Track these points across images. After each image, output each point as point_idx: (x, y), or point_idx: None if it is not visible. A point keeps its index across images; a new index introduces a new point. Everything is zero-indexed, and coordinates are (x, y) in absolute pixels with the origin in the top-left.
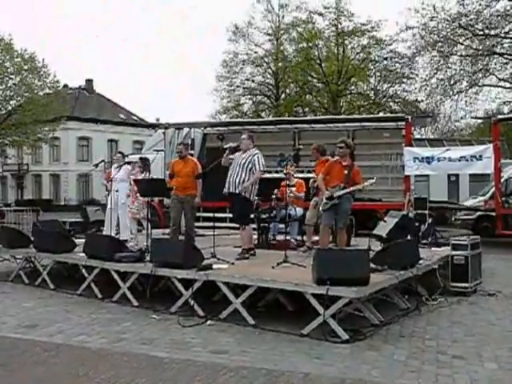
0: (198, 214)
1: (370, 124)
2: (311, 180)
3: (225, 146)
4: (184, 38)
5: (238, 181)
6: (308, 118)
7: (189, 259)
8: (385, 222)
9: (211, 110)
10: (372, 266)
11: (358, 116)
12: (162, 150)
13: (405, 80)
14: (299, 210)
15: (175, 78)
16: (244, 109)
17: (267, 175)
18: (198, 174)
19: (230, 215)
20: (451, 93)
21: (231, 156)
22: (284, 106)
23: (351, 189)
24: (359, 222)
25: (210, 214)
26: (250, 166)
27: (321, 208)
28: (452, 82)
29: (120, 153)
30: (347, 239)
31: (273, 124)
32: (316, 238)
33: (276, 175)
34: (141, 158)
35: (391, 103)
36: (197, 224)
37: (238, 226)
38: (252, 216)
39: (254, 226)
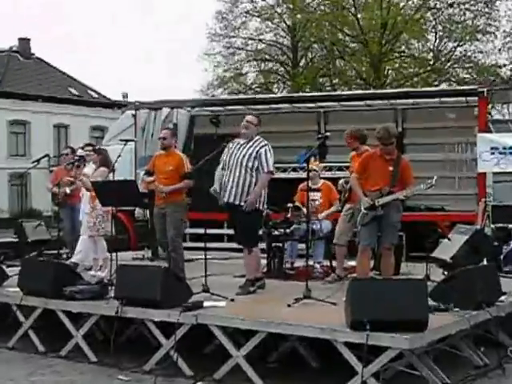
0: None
1: (427, 100)
2: (341, 180)
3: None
4: None
5: (240, 185)
6: (338, 92)
7: (170, 295)
8: (449, 240)
9: (202, 82)
10: (431, 303)
11: (409, 89)
12: (131, 140)
13: (479, 36)
14: (326, 224)
15: (150, 38)
16: (248, 80)
17: (281, 175)
18: (186, 172)
19: (229, 232)
20: None
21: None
22: (304, 76)
23: (401, 194)
24: (412, 241)
25: (200, 230)
26: (255, 163)
27: (358, 221)
28: None
29: (90, 145)
30: (395, 265)
31: (288, 102)
32: (351, 263)
33: (294, 175)
34: (95, 150)
35: (458, 70)
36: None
37: (240, 247)
38: (260, 233)
39: (263, 246)
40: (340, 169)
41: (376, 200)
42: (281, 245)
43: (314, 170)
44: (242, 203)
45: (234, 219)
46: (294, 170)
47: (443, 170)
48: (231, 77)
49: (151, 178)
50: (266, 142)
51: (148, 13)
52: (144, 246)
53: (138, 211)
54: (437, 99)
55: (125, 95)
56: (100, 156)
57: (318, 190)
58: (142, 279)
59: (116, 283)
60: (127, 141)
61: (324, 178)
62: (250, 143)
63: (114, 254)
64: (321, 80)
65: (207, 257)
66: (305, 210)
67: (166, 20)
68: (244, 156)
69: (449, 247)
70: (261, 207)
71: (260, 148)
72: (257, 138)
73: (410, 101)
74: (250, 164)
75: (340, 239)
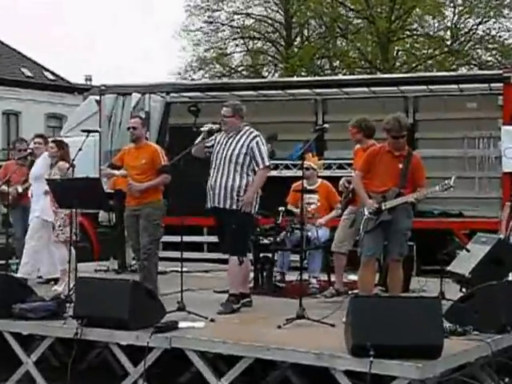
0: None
1: (443, 87)
2: (342, 180)
3: (203, 129)
4: None
5: (230, 186)
6: (340, 77)
7: (140, 313)
8: (468, 251)
9: (178, 63)
10: (447, 324)
11: (422, 74)
12: (95, 131)
13: (506, 12)
14: (324, 232)
15: (119, 9)
16: (233, 62)
17: (271, 173)
18: (163, 165)
19: (209, 240)
20: None
21: (208, 142)
22: (299, 57)
23: (412, 196)
24: (424, 252)
25: (176, 238)
26: (246, 159)
27: (361, 228)
28: None
29: (40, 136)
30: (404, 280)
31: (281, 87)
32: (352, 277)
33: (286, 173)
34: (57, 143)
35: (480, 51)
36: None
37: (223, 257)
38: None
39: (249, 256)
40: (341, 167)
41: (382, 203)
42: (270, 255)
43: (311, 168)
44: (234, 206)
45: (223, 226)
46: (287, 167)
47: (461, 169)
48: (213, 57)
49: (124, 172)
50: (256, 131)
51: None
52: (109, 255)
53: (102, 214)
54: (455, 86)
55: (88, 78)
56: (61, 151)
57: (314, 192)
58: (107, 295)
59: (75, 300)
60: (90, 132)
61: (322, 177)
62: (239, 136)
63: (72, 265)
64: (319, 62)
65: (183, 269)
66: (299, 214)
67: None
68: (233, 151)
69: (467, 260)
70: (253, 211)
71: (251, 141)
72: (246, 128)
73: (424, 87)
74: (241, 161)
75: (339, 247)
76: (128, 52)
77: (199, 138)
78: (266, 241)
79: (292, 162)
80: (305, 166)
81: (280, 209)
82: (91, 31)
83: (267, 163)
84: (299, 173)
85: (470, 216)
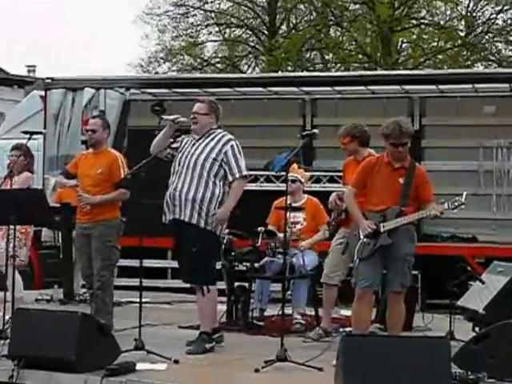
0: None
1: (455, 87)
2: (333, 196)
3: (166, 117)
4: None
5: (192, 197)
6: (332, 73)
7: (89, 353)
8: (482, 283)
9: (140, 53)
10: (456, 370)
11: (431, 71)
12: (38, 133)
13: None
14: (311, 257)
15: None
16: (206, 53)
17: (249, 186)
18: (122, 178)
19: (174, 265)
20: None
21: (174, 142)
22: (285, 49)
23: (415, 216)
24: (431, 283)
25: (135, 263)
26: (215, 164)
27: (355, 254)
28: None
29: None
30: (407, 316)
31: (262, 84)
32: (344, 312)
33: (267, 187)
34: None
35: (500, 44)
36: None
37: (188, 285)
38: (218, 267)
39: (221, 285)
40: (332, 180)
41: (381, 224)
42: (247, 285)
43: (298, 181)
44: (194, 221)
45: (182, 245)
46: (268, 180)
47: (476, 184)
48: (182, 47)
49: (73, 182)
50: (229, 135)
51: None
52: (53, 282)
53: (45, 233)
54: (469, 85)
55: (31, 69)
56: (28, 158)
57: (300, 209)
58: (50, 330)
59: (11, 336)
60: (32, 133)
61: (309, 193)
62: (209, 139)
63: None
64: (308, 55)
65: (143, 299)
66: (282, 236)
67: None
68: (200, 155)
69: (481, 293)
70: (220, 232)
71: (224, 145)
72: (218, 131)
73: (432, 87)
74: (208, 166)
75: (330, 278)
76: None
77: (163, 131)
78: (242, 267)
79: (274, 174)
80: (290, 177)
81: (259, 229)
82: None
83: (244, 172)
84: (283, 186)
85: (485, 241)
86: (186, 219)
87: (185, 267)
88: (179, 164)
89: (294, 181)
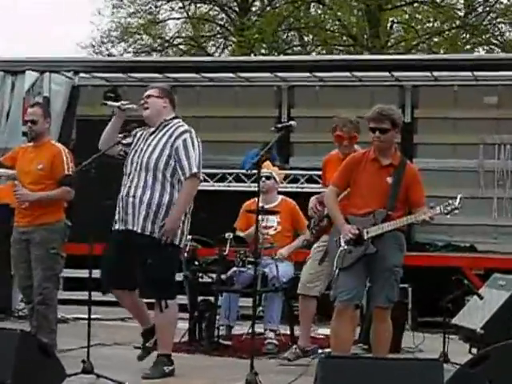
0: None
1: (453, 74)
2: (312, 200)
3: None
4: None
5: (147, 203)
6: (313, 57)
7: (28, 376)
8: (480, 298)
9: (91, 32)
10: None
11: (425, 56)
12: None
13: None
14: (286, 268)
15: None
16: (167, 32)
17: (216, 186)
18: (65, 174)
19: None
20: None
21: (125, 138)
22: (259, 28)
23: (405, 221)
24: (422, 298)
25: (82, 273)
26: (170, 163)
27: (334, 263)
28: None
29: None
30: (395, 335)
31: (232, 69)
32: (322, 330)
33: (237, 187)
34: None
35: (503, 26)
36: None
37: (146, 300)
38: (179, 278)
39: (183, 300)
40: (311, 179)
41: (364, 230)
42: (212, 299)
43: (273, 178)
44: (155, 233)
45: (136, 256)
46: (238, 179)
47: (475, 186)
48: (140, 25)
49: (10, 172)
50: (186, 126)
51: None
52: None
53: None
54: (469, 73)
55: None
56: None
57: (274, 213)
58: None
59: None
60: None
61: (285, 194)
62: (162, 132)
63: None
64: (285, 36)
65: (92, 316)
66: (252, 243)
67: None
68: (152, 154)
69: (480, 310)
70: (178, 241)
71: (176, 138)
72: (175, 121)
73: (427, 74)
74: (162, 166)
75: (308, 289)
76: None
77: (110, 122)
78: (206, 279)
79: (244, 172)
80: (264, 173)
81: (227, 235)
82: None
83: (195, 170)
84: (254, 186)
85: (484, 250)
86: (139, 230)
87: (143, 281)
88: (131, 164)
89: (268, 177)
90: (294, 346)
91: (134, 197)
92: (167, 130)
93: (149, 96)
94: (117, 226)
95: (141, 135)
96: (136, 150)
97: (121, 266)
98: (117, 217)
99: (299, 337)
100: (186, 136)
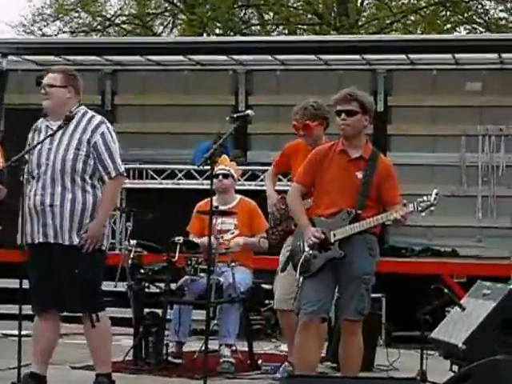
0: None
1: (431, 57)
2: (272, 199)
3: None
4: None
5: (68, 213)
6: (273, 37)
7: None
8: (462, 309)
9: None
10: None
11: (400, 36)
12: None
13: None
14: (244, 275)
15: None
16: (108, 10)
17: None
18: None
19: None
20: None
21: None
22: (211, 5)
23: (375, 220)
24: (397, 310)
25: (12, 283)
26: (89, 162)
27: (298, 270)
28: None
29: None
30: (366, 352)
31: (183, 52)
32: (283, 347)
33: (187, 184)
34: None
35: (488, 3)
36: None
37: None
38: (123, 288)
39: (126, 314)
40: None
41: (331, 232)
42: (161, 312)
43: (231, 176)
44: (75, 241)
45: (57, 268)
46: (189, 175)
47: (456, 182)
48: (78, 2)
49: None
50: (98, 117)
51: None
52: None
53: None
54: (449, 55)
55: None
56: None
57: (230, 214)
58: None
59: None
60: None
61: (242, 193)
62: (72, 126)
63: None
64: (242, 14)
65: (23, 332)
66: (205, 248)
67: None
68: (67, 153)
69: (462, 322)
70: (105, 245)
71: (93, 133)
72: (81, 111)
73: (401, 57)
74: (81, 167)
75: (287, 302)
76: None
77: None
78: (153, 289)
79: (195, 168)
80: (220, 171)
81: (177, 239)
82: None
83: (121, 168)
84: (206, 184)
85: (467, 255)
86: (66, 242)
87: (67, 294)
88: (38, 166)
89: (225, 175)
90: (286, 364)
91: (51, 206)
92: (78, 124)
93: (50, 85)
94: (29, 239)
95: (43, 130)
96: (41, 150)
97: (49, 286)
98: (29, 229)
99: (288, 353)
100: (103, 129)
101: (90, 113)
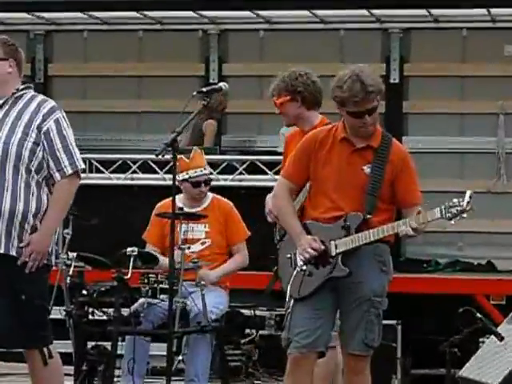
0: None
1: (459, 13)
2: (269, 199)
3: None
4: None
5: (7, 214)
6: None
7: None
8: (500, 339)
9: None
10: None
11: None
12: None
13: None
14: (218, 299)
15: None
16: None
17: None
18: None
19: None
20: None
21: None
22: None
23: (390, 229)
24: (417, 339)
25: None
26: (37, 155)
27: (288, 291)
28: None
29: None
30: None
31: (137, 8)
32: None
33: (145, 180)
34: None
35: None
36: None
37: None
38: (60, 316)
39: (64, 347)
40: (255, 169)
41: (332, 243)
42: (109, 345)
43: (202, 168)
44: (14, 252)
45: None
46: (146, 168)
47: (492, 175)
48: None
49: None
50: (51, 101)
51: None
52: None
53: None
54: (483, 10)
55: None
56: None
57: (200, 218)
58: None
59: None
60: None
61: (215, 190)
62: (18, 107)
63: None
64: None
65: None
66: (167, 262)
67: None
68: (14, 140)
69: (499, 357)
70: (53, 260)
71: (45, 118)
72: (30, 93)
73: (421, 12)
74: (27, 160)
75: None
76: None
77: None
78: (100, 315)
79: (155, 159)
80: (200, 177)
81: (129, 251)
82: None
83: (80, 165)
84: (168, 179)
85: (508, 270)
86: (2, 250)
87: (7, 323)
88: None
89: (207, 182)
90: None
91: None
92: (26, 105)
93: None
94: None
95: None
96: None
97: None
98: None
99: None
100: (57, 115)
101: (40, 96)
